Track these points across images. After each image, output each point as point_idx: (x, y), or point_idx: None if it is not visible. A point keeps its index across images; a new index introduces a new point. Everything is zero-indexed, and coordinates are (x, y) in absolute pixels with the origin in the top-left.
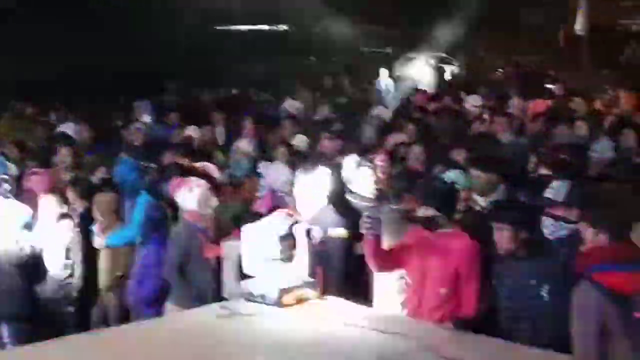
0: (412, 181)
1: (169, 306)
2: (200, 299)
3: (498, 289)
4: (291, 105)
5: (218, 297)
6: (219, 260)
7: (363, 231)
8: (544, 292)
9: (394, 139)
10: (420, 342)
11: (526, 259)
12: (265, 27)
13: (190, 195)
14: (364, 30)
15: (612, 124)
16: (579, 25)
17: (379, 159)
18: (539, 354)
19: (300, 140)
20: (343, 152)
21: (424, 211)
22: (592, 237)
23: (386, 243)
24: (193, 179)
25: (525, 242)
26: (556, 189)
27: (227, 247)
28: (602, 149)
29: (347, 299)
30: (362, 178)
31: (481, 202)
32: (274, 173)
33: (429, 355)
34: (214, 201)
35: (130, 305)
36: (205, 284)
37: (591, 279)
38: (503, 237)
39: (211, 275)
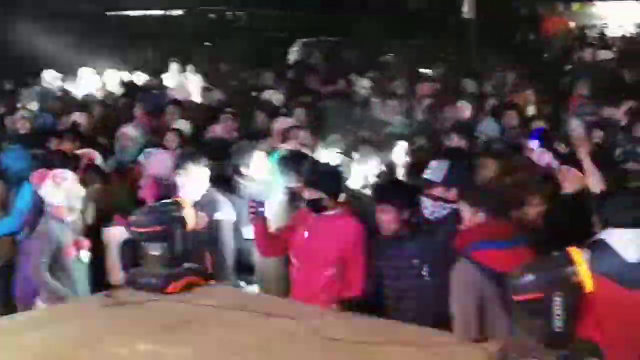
0: (297, 164)
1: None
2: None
3: (382, 269)
4: (179, 90)
5: (101, 285)
6: (101, 248)
7: (249, 215)
8: (425, 272)
9: (282, 123)
10: (306, 325)
11: (408, 240)
12: (159, 11)
13: (56, 190)
14: (262, 14)
15: (495, 105)
16: (467, 9)
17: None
18: (422, 331)
19: (183, 126)
20: (234, 136)
21: (309, 194)
22: (470, 216)
23: (276, 226)
24: (58, 171)
25: (407, 222)
26: (434, 170)
27: (112, 235)
28: (487, 130)
29: (236, 283)
30: (253, 162)
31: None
32: (156, 160)
33: (315, 338)
34: (82, 193)
35: (16, 297)
36: (76, 283)
37: (469, 257)
38: (386, 217)
39: (85, 271)
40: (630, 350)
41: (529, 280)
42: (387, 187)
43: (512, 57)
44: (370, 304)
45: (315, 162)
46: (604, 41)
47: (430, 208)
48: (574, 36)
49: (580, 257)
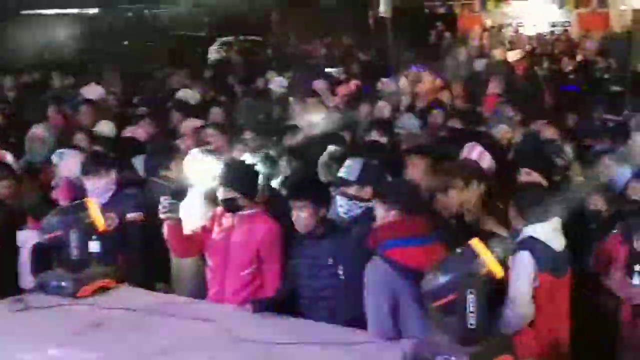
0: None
1: None
2: None
3: (298, 268)
4: (93, 90)
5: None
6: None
7: (161, 215)
8: (340, 271)
9: (193, 122)
10: (219, 326)
11: (323, 238)
12: (75, 10)
13: None
14: (181, 14)
15: (414, 103)
16: (383, 8)
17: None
18: (336, 331)
19: (105, 127)
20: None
21: (223, 193)
22: (383, 213)
23: (192, 226)
24: None
25: (323, 220)
26: (348, 168)
27: (23, 237)
28: (405, 125)
29: (150, 285)
30: (169, 162)
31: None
32: (68, 161)
33: (229, 339)
34: None
35: None
36: None
37: (382, 255)
38: (302, 215)
39: None
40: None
41: (442, 285)
42: (303, 184)
43: (429, 55)
44: (286, 304)
45: (230, 162)
46: (518, 40)
47: (344, 207)
48: (488, 35)
49: (482, 246)
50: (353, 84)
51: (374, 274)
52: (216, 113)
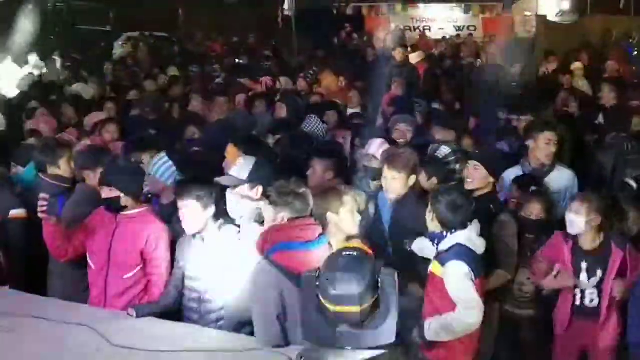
0: (97, 159)
1: None
2: None
3: (186, 271)
4: None
5: None
6: None
7: (39, 214)
8: (228, 273)
9: (94, 117)
10: (96, 332)
11: (211, 238)
12: None
13: None
14: (83, 8)
15: (316, 102)
16: (287, 6)
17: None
18: (222, 337)
19: None
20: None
21: (107, 192)
22: (272, 216)
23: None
24: None
25: (210, 220)
26: (240, 167)
27: None
28: (307, 125)
29: (31, 288)
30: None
31: None
32: None
33: (106, 345)
34: None
35: None
36: None
37: (269, 258)
38: (189, 214)
39: None
40: None
41: (364, 288)
42: (189, 182)
43: (334, 55)
44: (173, 308)
45: (114, 160)
46: (422, 42)
47: (235, 206)
48: (395, 37)
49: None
50: (264, 81)
51: (261, 277)
52: (110, 108)
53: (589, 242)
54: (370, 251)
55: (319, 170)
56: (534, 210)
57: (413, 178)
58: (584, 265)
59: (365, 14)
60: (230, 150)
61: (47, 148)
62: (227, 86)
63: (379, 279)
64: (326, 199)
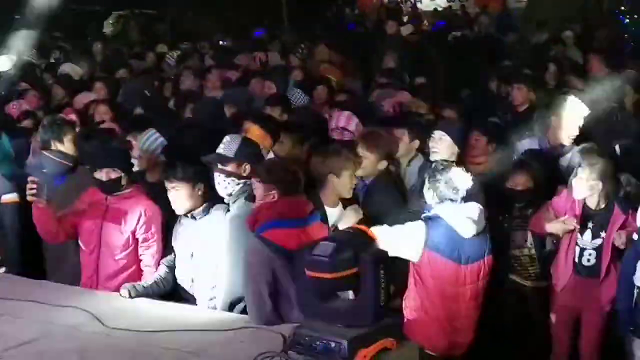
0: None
1: None
2: None
3: (177, 250)
4: None
5: None
6: None
7: (28, 197)
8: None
9: (83, 98)
10: (92, 314)
11: (202, 218)
12: None
13: None
14: None
15: (304, 79)
16: None
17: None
18: (215, 315)
19: None
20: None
21: (104, 174)
22: (262, 193)
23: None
24: None
25: (202, 199)
26: (227, 144)
27: None
28: (294, 100)
29: (24, 271)
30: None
31: None
32: None
33: (100, 327)
34: None
35: None
36: None
37: (261, 236)
38: (178, 195)
39: None
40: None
41: (344, 257)
42: (178, 164)
43: (326, 31)
44: (166, 287)
45: (100, 142)
46: (415, 15)
47: (222, 184)
48: (387, 9)
49: (373, 233)
50: (257, 56)
51: (253, 256)
52: (99, 88)
53: (594, 204)
54: (371, 234)
55: (286, 142)
56: (520, 181)
57: (384, 163)
58: (590, 224)
59: None
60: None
61: (54, 124)
62: (218, 63)
63: (362, 257)
64: (330, 160)
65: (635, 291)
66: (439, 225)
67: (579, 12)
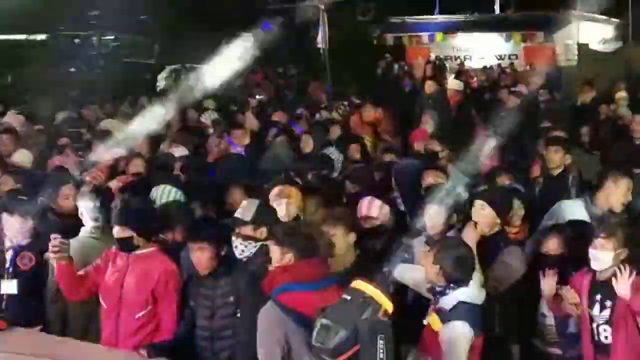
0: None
1: None
2: None
3: (196, 309)
4: (13, 117)
5: None
6: None
7: (51, 255)
8: (239, 311)
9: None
10: None
11: (223, 278)
12: (22, 36)
13: None
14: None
15: (340, 135)
16: (320, 39)
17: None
18: None
19: (22, 156)
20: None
21: (118, 232)
22: (279, 256)
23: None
24: None
25: (222, 260)
26: (244, 209)
27: None
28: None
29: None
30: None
31: None
32: None
33: None
34: None
35: None
36: None
37: (275, 299)
38: (203, 256)
39: None
40: None
41: (342, 339)
42: (203, 225)
43: (371, 87)
44: (184, 347)
45: (126, 199)
46: (463, 72)
47: (240, 247)
48: (434, 67)
49: (368, 285)
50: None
51: (267, 318)
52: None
53: (609, 273)
54: (374, 291)
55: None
56: (552, 246)
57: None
58: (598, 297)
59: (406, 44)
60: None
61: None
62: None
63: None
64: None
65: None
66: (467, 309)
67: (630, 72)
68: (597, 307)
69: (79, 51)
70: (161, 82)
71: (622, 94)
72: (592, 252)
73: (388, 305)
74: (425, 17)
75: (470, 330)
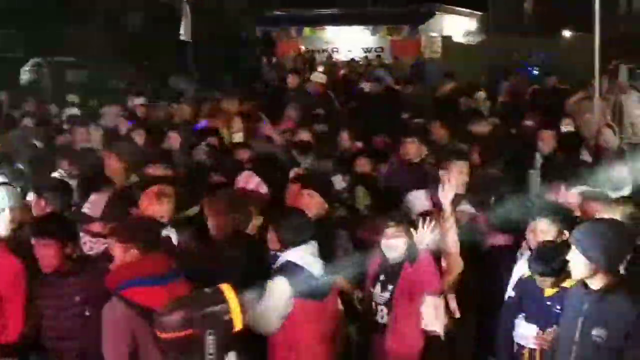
0: None
1: None
2: None
3: (42, 308)
4: None
5: None
6: None
7: None
8: (89, 311)
9: None
10: None
11: (70, 276)
12: None
13: None
14: None
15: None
16: (184, 31)
17: None
18: None
19: None
20: None
21: None
22: (121, 253)
23: None
24: None
25: (69, 258)
26: (93, 204)
27: None
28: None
29: None
30: None
31: None
32: None
33: None
34: None
35: None
36: None
37: (119, 295)
38: (48, 253)
39: None
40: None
41: (178, 318)
42: (49, 221)
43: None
44: (31, 347)
45: None
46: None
47: (88, 244)
48: (303, 59)
49: (231, 293)
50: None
51: (112, 314)
52: None
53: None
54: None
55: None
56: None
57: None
58: (382, 277)
59: (275, 38)
60: None
61: None
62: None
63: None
64: None
65: (515, 347)
66: (296, 271)
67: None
68: (378, 286)
69: None
70: (24, 76)
71: (481, 95)
72: (383, 242)
73: (237, 321)
74: (293, 10)
75: (288, 287)
